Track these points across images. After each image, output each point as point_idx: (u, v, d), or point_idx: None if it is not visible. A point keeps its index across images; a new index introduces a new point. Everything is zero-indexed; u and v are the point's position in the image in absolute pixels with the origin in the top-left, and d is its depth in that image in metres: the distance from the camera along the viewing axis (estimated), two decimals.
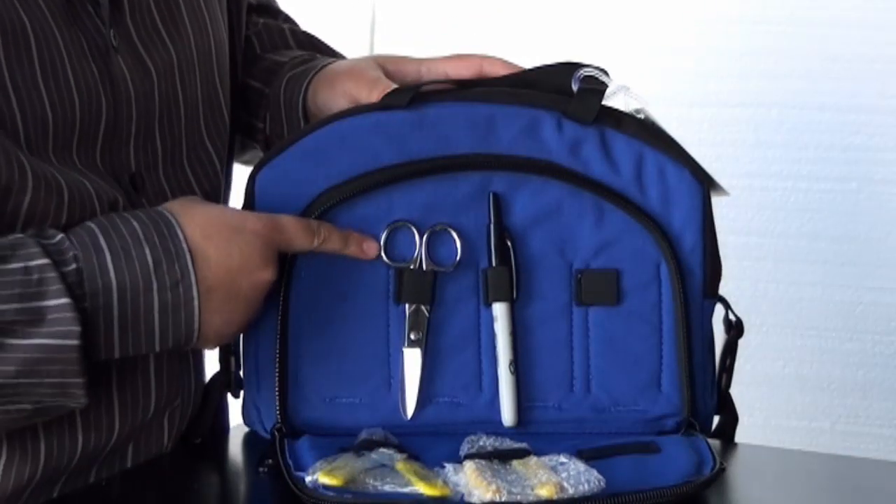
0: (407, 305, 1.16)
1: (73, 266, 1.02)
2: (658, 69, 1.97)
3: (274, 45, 1.36)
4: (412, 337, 1.16)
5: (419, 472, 1.05)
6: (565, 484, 1.04)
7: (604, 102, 1.18)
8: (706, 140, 1.96)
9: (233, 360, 1.18)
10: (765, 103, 1.96)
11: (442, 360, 1.16)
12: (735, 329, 1.21)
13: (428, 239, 1.16)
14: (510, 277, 1.16)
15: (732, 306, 1.21)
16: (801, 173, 1.97)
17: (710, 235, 1.18)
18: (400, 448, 1.09)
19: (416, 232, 1.16)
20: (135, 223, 1.05)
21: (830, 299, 1.98)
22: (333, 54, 1.36)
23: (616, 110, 1.19)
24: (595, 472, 1.05)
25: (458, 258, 1.16)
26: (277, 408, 1.14)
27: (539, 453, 1.10)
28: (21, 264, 1.01)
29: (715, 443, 1.20)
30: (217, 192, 1.25)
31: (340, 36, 2.06)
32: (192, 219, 1.07)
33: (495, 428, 1.16)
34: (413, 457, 1.08)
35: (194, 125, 1.22)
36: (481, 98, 1.18)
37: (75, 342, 1.01)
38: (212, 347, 1.12)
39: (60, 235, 1.04)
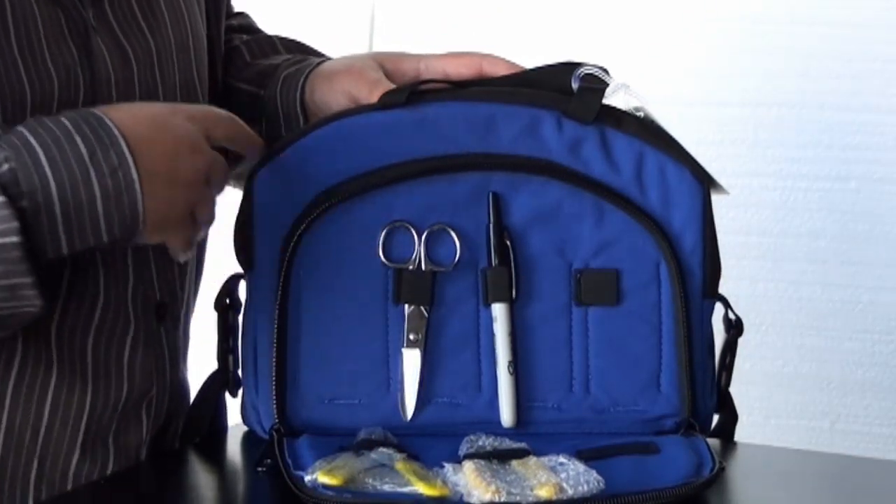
0: (406, 306, 1.16)
1: (6, 167, 1.01)
2: (657, 68, 1.97)
3: (263, 52, 1.36)
4: (411, 337, 1.16)
5: (418, 471, 1.04)
6: (564, 485, 1.03)
7: (604, 101, 1.18)
8: (706, 139, 1.96)
9: (231, 358, 1.18)
10: (764, 102, 1.96)
11: (441, 360, 1.16)
12: (735, 328, 1.21)
13: (427, 239, 1.16)
14: (510, 277, 1.16)
15: (732, 305, 1.21)
16: (800, 172, 1.97)
17: (710, 235, 1.18)
18: (399, 448, 1.09)
19: (414, 232, 1.16)
20: (63, 120, 1.04)
21: (830, 298, 1.98)
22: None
23: (616, 109, 1.18)
24: (594, 473, 1.05)
25: (457, 258, 1.16)
26: (275, 408, 1.14)
27: (538, 454, 1.09)
28: None
29: (714, 442, 1.20)
30: None
31: (340, 36, 2.07)
32: (119, 109, 1.06)
33: (495, 428, 1.15)
34: (412, 456, 1.08)
35: None
36: (480, 97, 1.17)
37: (16, 239, 0.99)
38: (157, 239, 1.08)
39: None
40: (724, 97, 1.97)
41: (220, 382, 1.19)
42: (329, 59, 1.31)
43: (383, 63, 1.25)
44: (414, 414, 1.15)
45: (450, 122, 1.16)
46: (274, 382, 1.14)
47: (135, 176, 1.03)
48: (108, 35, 1.15)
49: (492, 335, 1.16)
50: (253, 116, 1.31)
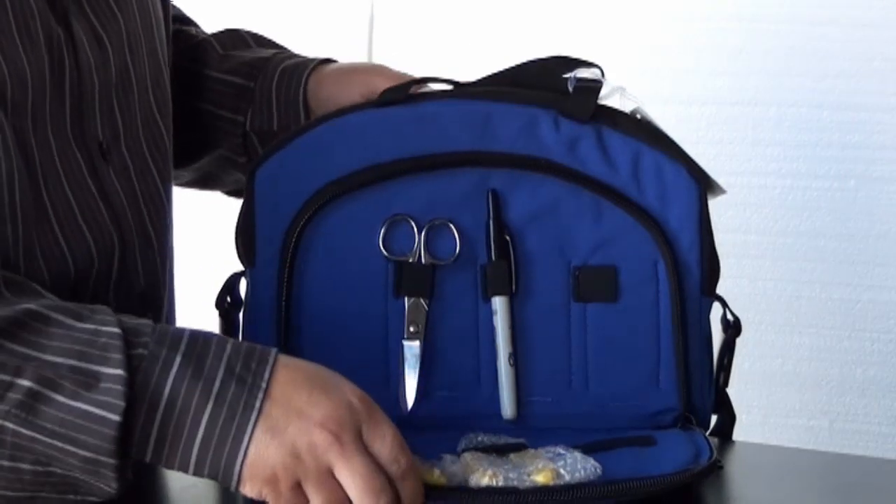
0: (406, 298, 1.16)
1: (140, 351, 0.99)
2: (655, 67, 1.97)
3: (235, 45, 1.36)
4: (411, 329, 1.16)
5: (416, 462, 1.04)
6: (562, 471, 1.04)
7: (601, 103, 1.19)
8: (704, 138, 1.96)
9: None
10: (763, 101, 1.97)
11: (440, 353, 1.17)
12: (733, 328, 1.21)
13: (427, 233, 1.16)
14: (509, 271, 1.16)
15: (730, 304, 1.21)
16: (799, 171, 1.97)
17: (707, 233, 1.18)
18: None
19: (415, 226, 1.16)
20: (225, 350, 1.00)
21: (829, 297, 1.98)
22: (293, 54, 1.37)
23: (612, 109, 1.19)
24: (592, 461, 1.05)
25: (457, 252, 1.17)
26: None
27: (536, 447, 1.10)
28: (93, 326, 0.99)
29: (713, 440, 1.20)
30: (168, 171, 1.25)
31: (338, 35, 2.07)
32: (288, 369, 1.00)
33: (494, 422, 1.16)
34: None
35: (145, 100, 1.22)
36: (478, 96, 1.18)
37: (117, 418, 0.97)
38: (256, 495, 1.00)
39: (148, 322, 1.01)
40: (723, 96, 1.97)
41: None
42: (327, 59, 1.32)
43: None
44: (413, 406, 1.16)
45: (448, 120, 1.17)
46: None
47: (247, 437, 0.98)
48: (84, 19, 1.15)
49: (491, 330, 1.17)
50: (236, 107, 1.32)
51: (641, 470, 1.06)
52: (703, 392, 1.19)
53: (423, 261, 1.16)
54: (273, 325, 1.15)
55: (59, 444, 0.97)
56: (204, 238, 1.85)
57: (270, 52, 1.34)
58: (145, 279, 1.21)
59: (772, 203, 1.98)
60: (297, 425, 0.98)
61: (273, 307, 1.15)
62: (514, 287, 1.17)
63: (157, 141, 1.24)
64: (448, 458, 1.06)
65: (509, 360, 1.16)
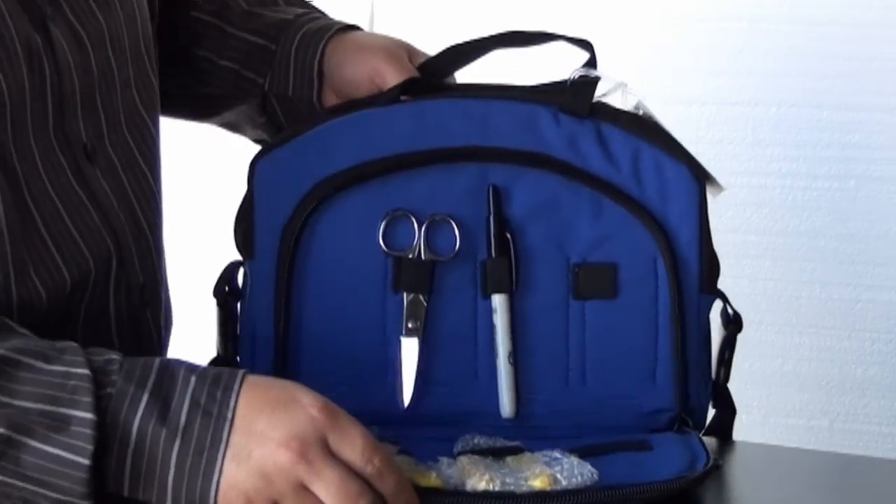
0: (405, 294, 1.16)
1: (109, 390, 0.99)
2: (656, 67, 1.97)
3: (261, 0, 1.35)
4: (410, 325, 1.16)
5: (412, 465, 1.05)
6: (559, 476, 1.04)
7: (603, 100, 1.19)
8: (704, 138, 1.96)
9: (230, 346, 1.18)
10: (763, 101, 1.97)
11: (439, 349, 1.17)
12: (733, 324, 1.21)
13: (427, 228, 1.16)
14: (510, 269, 1.16)
15: (730, 304, 1.21)
16: (799, 171, 1.97)
17: (706, 231, 1.18)
18: (393, 441, 1.09)
19: (415, 221, 1.16)
20: (190, 383, 1.00)
21: (829, 297, 1.98)
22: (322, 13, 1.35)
23: (612, 106, 1.19)
24: (588, 466, 1.05)
25: (456, 248, 1.16)
26: None
27: (533, 451, 1.10)
28: (63, 368, 0.99)
29: (712, 441, 1.21)
30: (157, 162, 1.25)
31: None
32: (252, 394, 1.00)
33: (492, 419, 1.16)
34: (406, 452, 1.08)
35: (129, 96, 1.21)
36: (475, 94, 1.19)
37: (87, 462, 0.97)
38: None
39: (116, 357, 1.01)
40: (723, 96, 1.97)
41: (220, 364, 1.18)
42: (352, 26, 1.31)
43: (411, 54, 1.26)
44: (411, 402, 1.16)
45: (447, 116, 1.17)
46: (273, 370, 1.14)
47: (217, 471, 0.98)
48: (63, 22, 1.14)
49: (489, 326, 1.17)
50: (258, 69, 1.31)
51: (637, 475, 1.06)
52: (699, 390, 1.18)
53: (422, 256, 1.16)
54: (271, 317, 1.15)
55: (32, 488, 0.98)
56: (200, 229, 1.86)
57: (295, 12, 1.32)
58: (143, 274, 1.20)
59: (772, 203, 1.98)
60: (261, 450, 0.98)
61: (271, 301, 1.15)
62: (513, 284, 1.17)
63: (143, 133, 1.23)
64: (444, 461, 1.06)
65: (509, 359, 1.16)
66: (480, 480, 1.03)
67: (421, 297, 1.16)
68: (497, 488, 1.02)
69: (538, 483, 1.03)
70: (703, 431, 1.20)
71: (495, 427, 1.15)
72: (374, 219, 1.16)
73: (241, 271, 1.18)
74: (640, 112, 1.20)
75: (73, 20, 1.15)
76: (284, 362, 1.15)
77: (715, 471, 1.09)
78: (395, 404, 1.15)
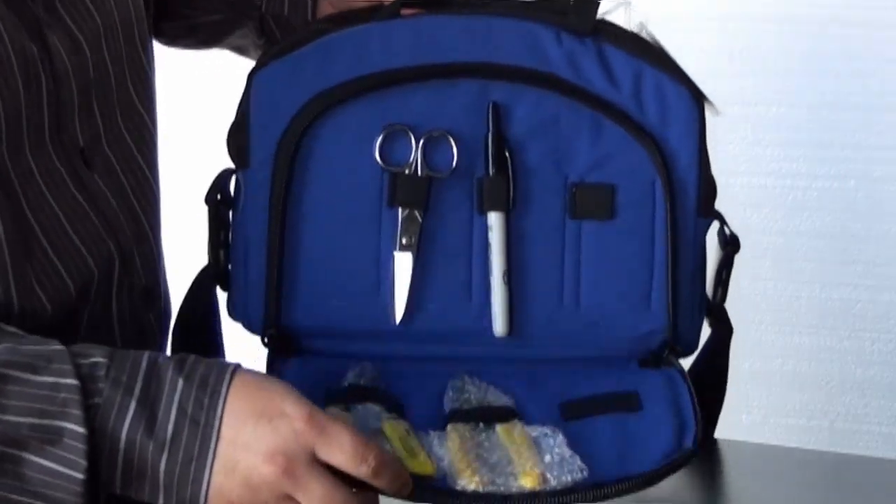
0: (400, 209, 1.15)
1: (97, 400, 0.99)
2: None
3: None
4: (404, 241, 1.14)
5: (404, 439, 1.04)
6: (548, 474, 1.04)
7: (606, 18, 1.17)
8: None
9: (222, 253, 1.17)
10: (763, 101, 1.97)
11: (433, 266, 1.15)
12: (731, 244, 1.21)
13: (424, 144, 1.15)
14: (507, 187, 1.15)
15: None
16: (799, 171, 1.97)
17: (705, 155, 1.17)
18: (387, 396, 1.09)
19: (412, 136, 1.15)
20: (178, 386, 1.00)
21: (828, 297, 1.98)
22: None
23: (615, 26, 1.18)
24: (578, 461, 1.05)
25: (454, 164, 1.15)
26: (267, 308, 1.13)
27: (524, 414, 1.10)
28: (51, 379, 0.99)
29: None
30: (155, 158, 1.24)
31: None
32: (238, 406, 1.00)
33: (485, 338, 1.15)
34: (398, 409, 1.08)
35: (125, 91, 1.21)
36: (476, 11, 1.17)
37: (81, 476, 0.98)
38: None
39: (103, 361, 1.01)
40: (721, 96, 1.96)
41: (211, 276, 1.17)
42: None
43: None
44: (403, 318, 1.15)
45: (448, 32, 1.15)
46: (266, 280, 1.13)
47: (205, 480, 0.99)
48: (59, 26, 1.13)
49: (484, 244, 1.15)
50: None
51: (624, 455, 1.07)
52: (691, 314, 1.17)
53: (419, 172, 1.15)
54: (265, 226, 1.13)
55: (28, 501, 0.99)
56: (199, 229, 1.85)
57: None
58: (146, 276, 1.20)
59: (771, 203, 1.98)
60: (247, 461, 0.98)
61: (264, 211, 1.13)
62: (510, 203, 1.16)
63: (141, 130, 1.22)
64: (435, 436, 1.06)
65: (504, 278, 1.15)
66: (471, 481, 1.03)
67: (416, 213, 1.14)
68: (487, 489, 1.02)
69: (527, 482, 1.03)
70: (700, 351, 1.19)
71: (487, 346, 1.14)
72: (372, 133, 1.14)
73: (233, 179, 1.17)
74: (643, 33, 1.19)
75: (69, 24, 1.14)
76: (277, 274, 1.14)
77: (693, 453, 1.08)
78: (387, 320, 1.14)
